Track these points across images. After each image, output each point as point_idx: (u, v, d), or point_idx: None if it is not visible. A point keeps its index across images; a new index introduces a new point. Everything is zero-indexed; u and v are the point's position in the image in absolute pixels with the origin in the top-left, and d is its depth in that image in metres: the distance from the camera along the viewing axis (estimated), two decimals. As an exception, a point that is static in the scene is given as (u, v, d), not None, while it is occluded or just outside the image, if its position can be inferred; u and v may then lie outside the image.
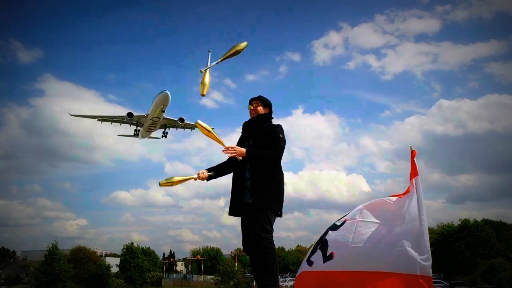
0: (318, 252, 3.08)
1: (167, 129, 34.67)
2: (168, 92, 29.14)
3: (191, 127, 34.45)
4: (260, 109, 3.73)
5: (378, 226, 2.84)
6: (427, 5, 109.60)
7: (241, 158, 3.42)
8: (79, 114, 33.96)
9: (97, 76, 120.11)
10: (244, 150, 3.41)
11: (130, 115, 32.14)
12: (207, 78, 3.56)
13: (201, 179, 3.61)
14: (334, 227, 3.17)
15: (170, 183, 3.50)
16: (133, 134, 34.86)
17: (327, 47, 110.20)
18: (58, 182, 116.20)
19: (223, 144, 3.43)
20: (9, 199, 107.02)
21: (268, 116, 3.75)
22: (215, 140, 3.44)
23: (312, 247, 3.26)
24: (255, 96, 3.83)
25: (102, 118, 33.27)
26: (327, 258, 2.97)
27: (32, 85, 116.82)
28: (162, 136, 35.45)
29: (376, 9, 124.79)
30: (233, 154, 3.39)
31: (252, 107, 3.76)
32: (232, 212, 3.56)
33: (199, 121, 3.42)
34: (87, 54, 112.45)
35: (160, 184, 3.50)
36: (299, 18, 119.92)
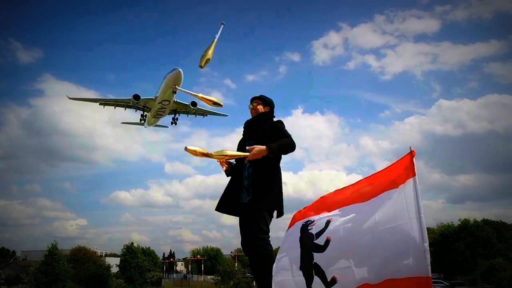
0: (317, 279, 2.82)
1: (177, 115, 30.79)
2: (180, 70, 25.05)
3: (204, 113, 31.15)
4: (260, 108, 3.72)
5: (368, 237, 2.72)
6: (426, 5, 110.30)
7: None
8: (78, 98, 30.36)
9: (97, 76, 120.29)
10: (263, 147, 3.23)
11: (136, 97, 28.19)
12: (210, 51, 3.44)
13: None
14: (318, 248, 2.88)
15: (223, 156, 3.31)
16: (139, 120, 30.99)
17: (326, 47, 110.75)
18: (58, 182, 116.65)
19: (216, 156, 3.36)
20: (9, 199, 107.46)
21: (269, 114, 3.73)
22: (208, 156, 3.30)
23: (303, 273, 2.92)
24: (257, 95, 3.83)
25: (105, 102, 29.68)
26: (329, 283, 2.76)
27: (32, 85, 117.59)
28: (172, 123, 31.37)
29: (375, 9, 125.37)
30: (255, 157, 3.25)
31: (252, 106, 3.76)
32: (220, 208, 3.49)
33: (189, 147, 3.24)
34: (87, 54, 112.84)
35: (213, 156, 3.30)
36: (298, 18, 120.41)
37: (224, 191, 3.55)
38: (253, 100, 3.79)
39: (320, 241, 2.89)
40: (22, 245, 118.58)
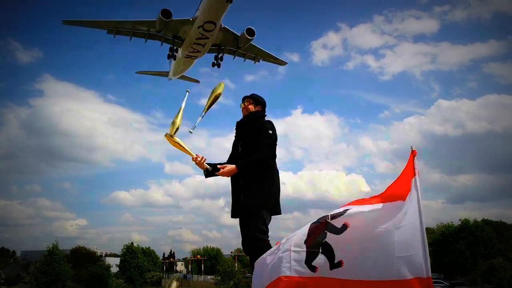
0: (322, 257, 2.78)
1: (221, 54, 20.65)
2: None
3: (257, 55, 21.29)
4: (251, 107, 3.70)
5: (382, 233, 2.73)
6: (425, 6, 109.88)
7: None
8: (76, 20, 19.51)
9: (97, 76, 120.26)
10: (233, 167, 3.43)
11: (166, 14, 17.87)
12: (178, 119, 3.58)
13: (197, 161, 3.55)
14: (334, 230, 2.82)
15: (172, 140, 3.55)
16: (167, 57, 20.90)
17: (325, 48, 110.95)
18: (58, 182, 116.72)
19: (191, 155, 3.56)
20: (9, 199, 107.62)
21: (260, 113, 3.70)
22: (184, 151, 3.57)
23: (306, 248, 2.83)
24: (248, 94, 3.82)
25: (116, 26, 19.22)
26: (335, 265, 2.74)
27: (32, 85, 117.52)
28: (214, 65, 21.07)
29: (374, 9, 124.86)
30: (224, 176, 3.48)
31: (243, 105, 3.74)
32: (233, 215, 3.53)
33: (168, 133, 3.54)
34: (87, 54, 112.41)
35: (165, 135, 3.57)
36: (298, 18, 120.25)
37: (231, 196, 3.59)
38: (244, 99, 3.77)
39: (337, 223, 2.81)
40: (22, 245, 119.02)
